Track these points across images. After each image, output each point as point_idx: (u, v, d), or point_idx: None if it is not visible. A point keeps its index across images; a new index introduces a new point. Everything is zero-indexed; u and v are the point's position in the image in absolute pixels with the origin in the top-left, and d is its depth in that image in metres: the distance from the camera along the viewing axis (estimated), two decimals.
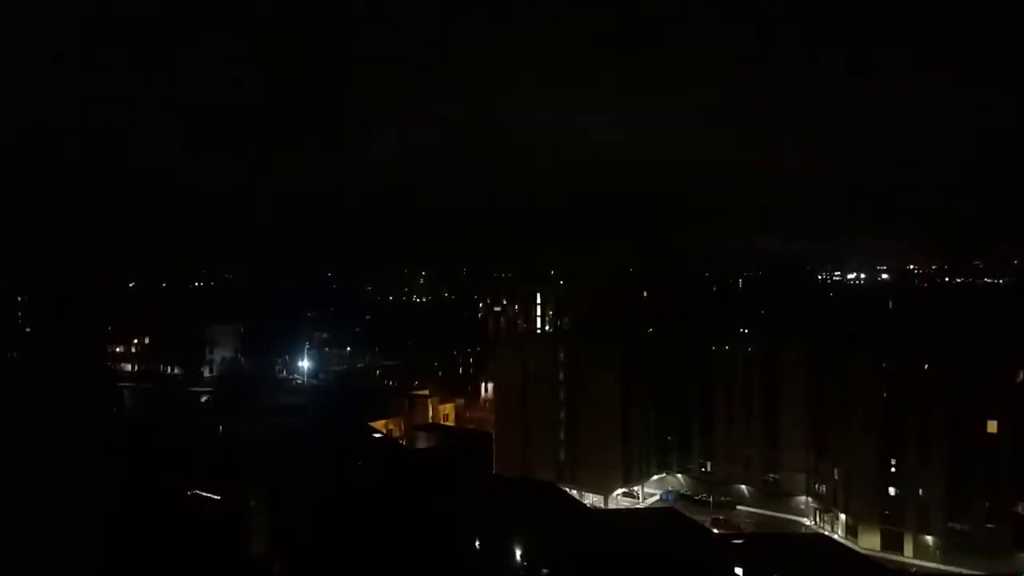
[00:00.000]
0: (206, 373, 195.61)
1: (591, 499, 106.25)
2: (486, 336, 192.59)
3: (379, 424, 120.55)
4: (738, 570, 57.23)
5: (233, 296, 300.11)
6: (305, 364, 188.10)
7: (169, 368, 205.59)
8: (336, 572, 65.68)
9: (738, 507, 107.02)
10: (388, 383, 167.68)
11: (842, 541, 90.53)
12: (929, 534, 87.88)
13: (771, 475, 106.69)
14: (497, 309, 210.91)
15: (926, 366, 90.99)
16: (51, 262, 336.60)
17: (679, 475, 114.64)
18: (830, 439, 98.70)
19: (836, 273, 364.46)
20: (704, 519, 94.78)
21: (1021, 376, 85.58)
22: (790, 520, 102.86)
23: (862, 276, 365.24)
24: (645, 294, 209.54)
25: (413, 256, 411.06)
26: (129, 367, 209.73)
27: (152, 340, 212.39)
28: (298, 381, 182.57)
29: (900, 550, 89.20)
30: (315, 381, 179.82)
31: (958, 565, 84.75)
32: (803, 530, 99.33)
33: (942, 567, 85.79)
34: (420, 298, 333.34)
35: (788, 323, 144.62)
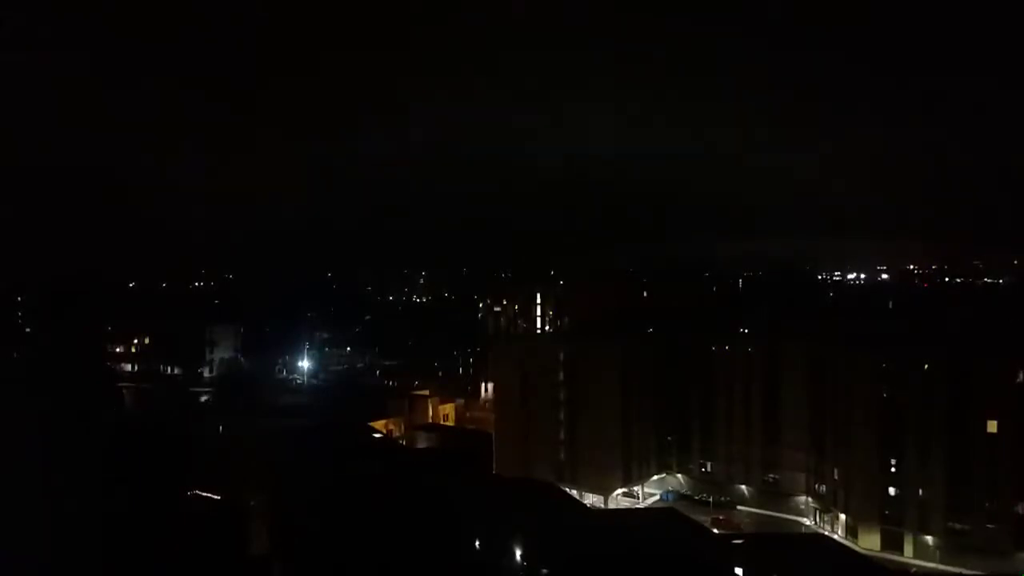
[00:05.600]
0: (206, 373, 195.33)
1: (591, 499, 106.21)
2: (486, 336, 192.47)
3: (379, 424, 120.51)
4: (738, 570, 57.16)
5: (233, 296, 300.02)
6: (305, 364, 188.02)
7: (169, 368, 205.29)
8: (336, 572, 65.66)
9: (738, 507, 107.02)
10: (388, 383, 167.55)
11: (842, 541, 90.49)
12: (929, 534, 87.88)
13: (771, 475, 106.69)
14: (497, 309, 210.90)
15: (926, 366, 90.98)
16: (51, 262, 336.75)
17: (679, 475, 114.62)
18: (830, 439, 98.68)
19: (836, 273, 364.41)
20: (704, 519, 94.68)
21: (1021, 376, 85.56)
22: (790, 520, 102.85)
23: (862, 276, 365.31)
24: (645, 294, 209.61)
25: (413, 256, 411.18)
26: (129, 367, 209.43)
27: (152, 340, 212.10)
28: (298, 381, 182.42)
29: (900, 550, 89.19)
30: (315, 381, 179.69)
31: (958, 565, 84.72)
32: (803, 530, 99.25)
33: (942, 567, 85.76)
34: (420, 298, 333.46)
35: (788, 323, 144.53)
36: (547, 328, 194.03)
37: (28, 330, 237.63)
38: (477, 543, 62.44)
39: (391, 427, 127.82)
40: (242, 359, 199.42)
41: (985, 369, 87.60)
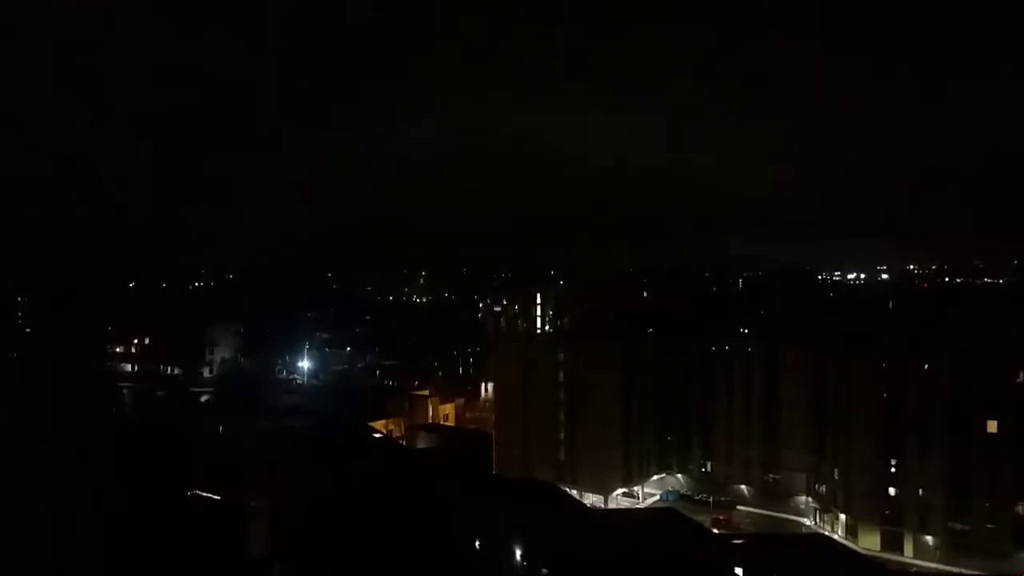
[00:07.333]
0: (206, 373, 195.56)
1: (591, 499, 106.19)
2: (486, 336, 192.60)
3: (379, 424, 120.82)
4: (738, 570, 57.27)
5: (233, 296, 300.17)
6: (305, 364, 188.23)
7: (169, 368, 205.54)
8: (336, 573, 65.64)
9: (738, 507, 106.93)
10: (388, 383, 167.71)
11: (842, 541, 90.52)
12: (929, 534, 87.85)
13: (771, 475, 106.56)
14: (497, 309, 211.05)
15: (926, 366, 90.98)
16: (51, 262, 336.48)
17: (679, 475, 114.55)
18: (830, 439, 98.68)
19: (836, 273, 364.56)
20: (704, 519, 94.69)
21: (1021, 376, 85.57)
22: (790, 520, 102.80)
23: (862, 276, 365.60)
24: (645, 294, 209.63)
25: (413, 256, 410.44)
26: (129, 367, 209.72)
27: (152, 340, 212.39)
28: (298, 381, 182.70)
29: (900, 550, 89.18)
30: (315, 381, 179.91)
31: (958, 565, 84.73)
32: (803, 530, 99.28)
33: (942, 567, 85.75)
34: (420, 298, 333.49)
35: (788, 323, 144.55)
36: (547, 328, 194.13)
37: (28, 330, 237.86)
38: (477, 543, 62.50)
39: (391, 427, 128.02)
40: (242, 359, 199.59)
41: (985, 369, 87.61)
